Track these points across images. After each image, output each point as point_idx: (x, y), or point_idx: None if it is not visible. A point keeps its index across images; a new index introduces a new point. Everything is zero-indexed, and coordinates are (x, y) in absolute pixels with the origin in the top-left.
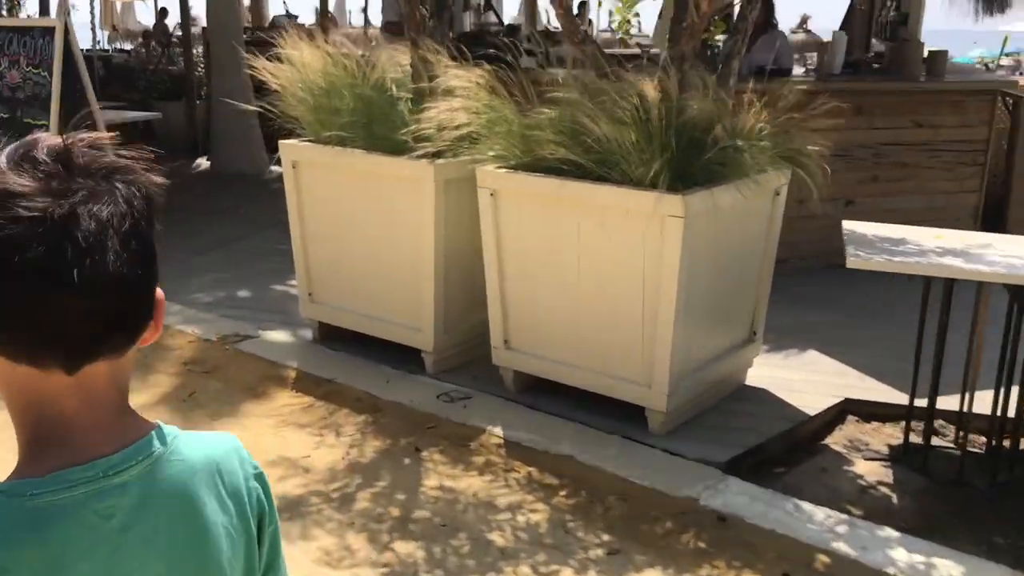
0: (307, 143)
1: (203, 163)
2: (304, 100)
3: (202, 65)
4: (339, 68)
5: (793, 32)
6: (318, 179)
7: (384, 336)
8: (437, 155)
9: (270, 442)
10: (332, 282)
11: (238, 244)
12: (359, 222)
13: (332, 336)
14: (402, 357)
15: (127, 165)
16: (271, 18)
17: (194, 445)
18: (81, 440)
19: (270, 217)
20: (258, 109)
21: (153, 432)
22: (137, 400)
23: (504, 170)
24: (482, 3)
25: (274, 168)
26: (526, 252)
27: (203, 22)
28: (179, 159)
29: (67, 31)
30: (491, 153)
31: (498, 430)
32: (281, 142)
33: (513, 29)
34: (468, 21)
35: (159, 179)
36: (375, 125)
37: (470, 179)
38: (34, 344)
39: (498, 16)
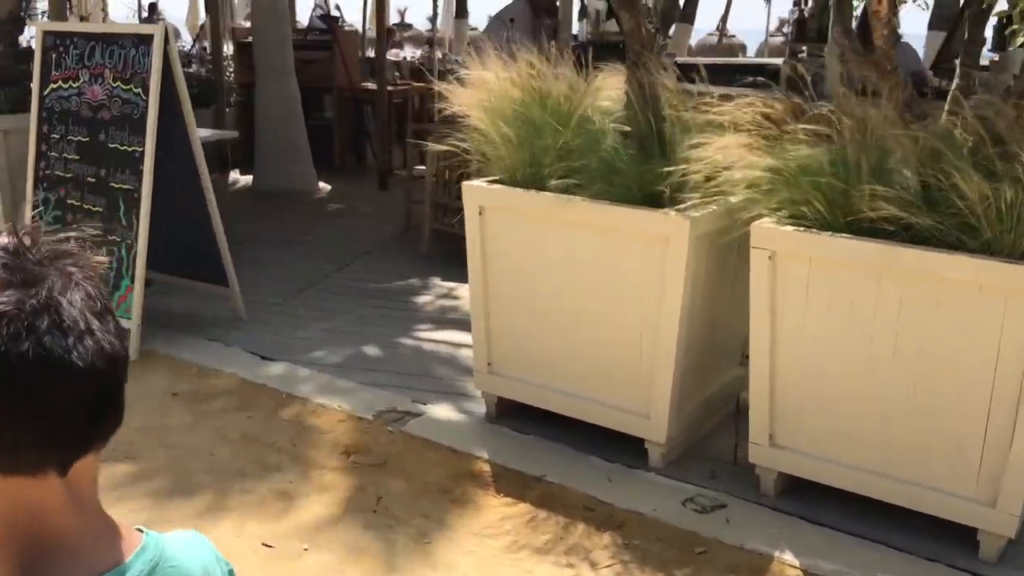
0: (501, 186)
1: (238, 178)
2: (504, 135)
3: (231, 70)
4: (535, 95)
5: (711, 34)
6: (512, 229)
7: (594, 420)
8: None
9: None
10: (520, 352)
11: (328, 282)
12: (566, 283)
13: (509, 413)
14: (609, 443)
15: (68, 249)
16: (308, 19)
17: (179, 548)
18: (81, 553)
19: (345, 246)
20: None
21: (144, 538)
22: (314, 511)
23: (791, 227)
24: (601, 10)
25: (322, 184)
26: (805, 330)
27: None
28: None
29: (166, 40)
30: (773, 205)
31: (788, 556)
32: (466, 184)
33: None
34: (583, 29)
35: (100, 257)
36: (599, 167)
37: (717, 234)
38: (33, 443)
39: (620, 24)
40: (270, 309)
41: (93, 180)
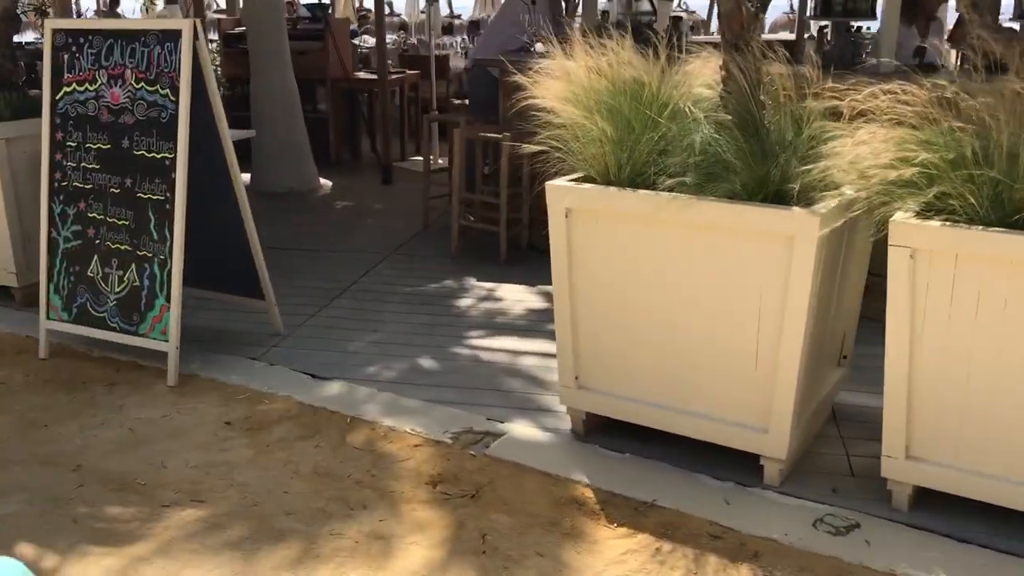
0: (592, 186)
1: None
2: (600, 129)
3: (218, 63)
4: (627, 85)
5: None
6: (605, 231)
7: (702, 436)
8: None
9: None
10: (613, 364)
11: (358, 288)
12: (669, 288)
13: (596, 429)
14: (713, 460)
15: None
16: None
17: None
18: None
19: (365, 248)
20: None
21: None
22: (418, 555)
23: (937, 223)
24: None
25: (324, 181)
26: (949, 332)
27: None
28: None
29: (196, 36)
30: (920, 200)
31: None
32: (551, 184)
33: (676, 20)
34: (614, 9)
35: None
36: (704, 163)
37: (835, 231)
38: None
39: (652, 4)
40: (306, 321)
41: (117, 191)
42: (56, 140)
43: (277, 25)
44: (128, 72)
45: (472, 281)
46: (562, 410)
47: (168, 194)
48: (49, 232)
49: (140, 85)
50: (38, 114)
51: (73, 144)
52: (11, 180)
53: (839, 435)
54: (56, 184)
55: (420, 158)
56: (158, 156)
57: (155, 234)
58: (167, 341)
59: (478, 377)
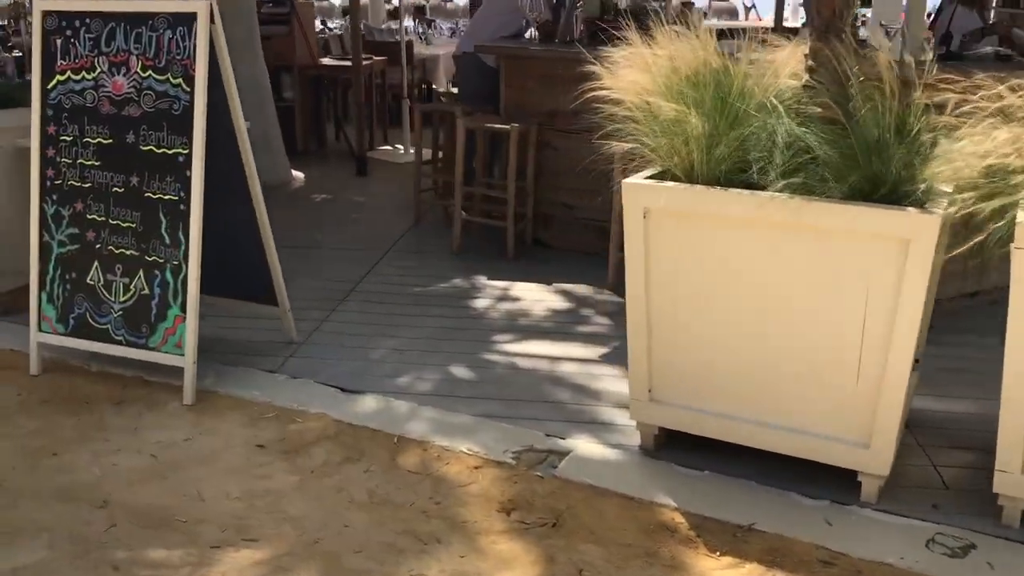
0: (675, 184)
1: None
2: (692, 125)
3: None
4: (710, 76)
5: None
6: (688, 233)
7: (795, 452)
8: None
9: None
10: (694, 377)
11: (363, 290)
12: (760, 296)
13: (666, 444)
14: (799, 476)
15: None
16: None
17: None
18: None
19: (358, 245)
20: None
21: None
22: None
23: None
24: None
25: (296, 173)
26: None
27: None
28: None
29: (212, 19)
30: None
31: None
32: (627, 182)
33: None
34: None
35: None
36: (806, 160)
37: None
38: None
39: None
40: (318, 327)
41: (121, 190)
42: (48, 134)
43: (248, 9)
44: (133, 59)
45: (483, 279)
46: (622, 423)
47: (182, 194)
48: (41, 235)
49: (147, 74)
50: (20, 104)
51: (68, 138)
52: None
53: (917, 444)
54: (48, 183)
55: (390, 147)
56: (170, 152)
57: (167, 237)
58: (183, 355)
59: (521, 388)
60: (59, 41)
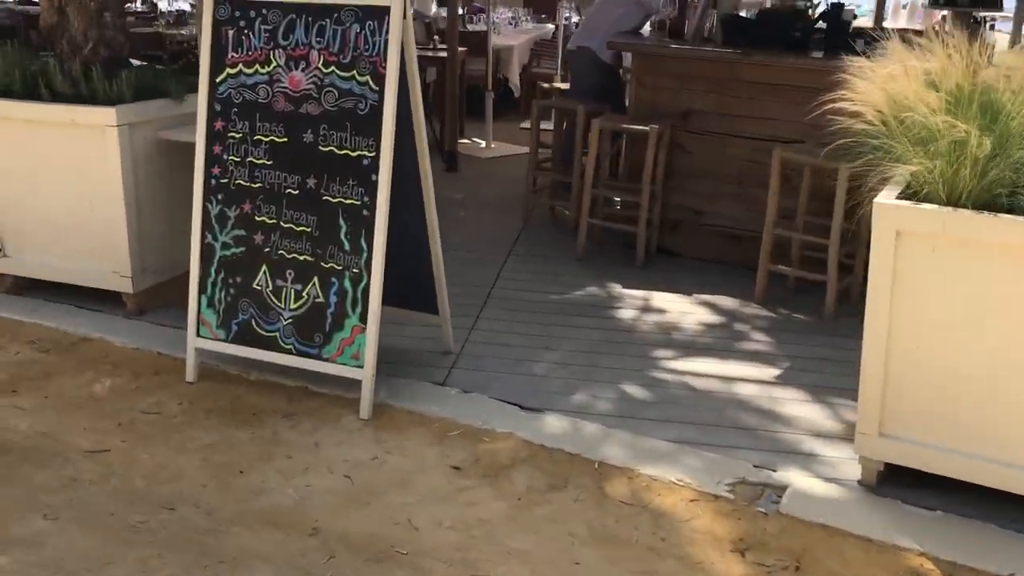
0: (940, 208)
1: None
2: (975, 142)
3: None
4: (975, 89)
5: None
6: (946, 259)
7: None
8: None
9: None
10: (932, 411)
11: (501, 294)
12: None
13: (886, 480)
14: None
15: None
16: None
17: None
18: None
19: (475, 248)
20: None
21: None
22: None
23: None
24: None
25: None
26: None
27: None
28: None
29: (404, 14)
30: None
31: None
32: (880, 201)
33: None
34: None
35: None
36: None
37: None
38: None
39: None
40: (467, 337)
41: (296, 192)
42: (215, 130)
43: None
44: (315, 54)
45: (617, 288)
46: (828, 455)
47: (366, 199)
48: (203, 236)
49: (330, 70)
50: (163, 95)
51: (237, 135)
52: (131, 170)
53: None
54: (213, 181)
55: (469, 140)
56: (353, 154)
57: (347, 244)
58: (361, 367)
59: (705, 410)
60: (231, 32)
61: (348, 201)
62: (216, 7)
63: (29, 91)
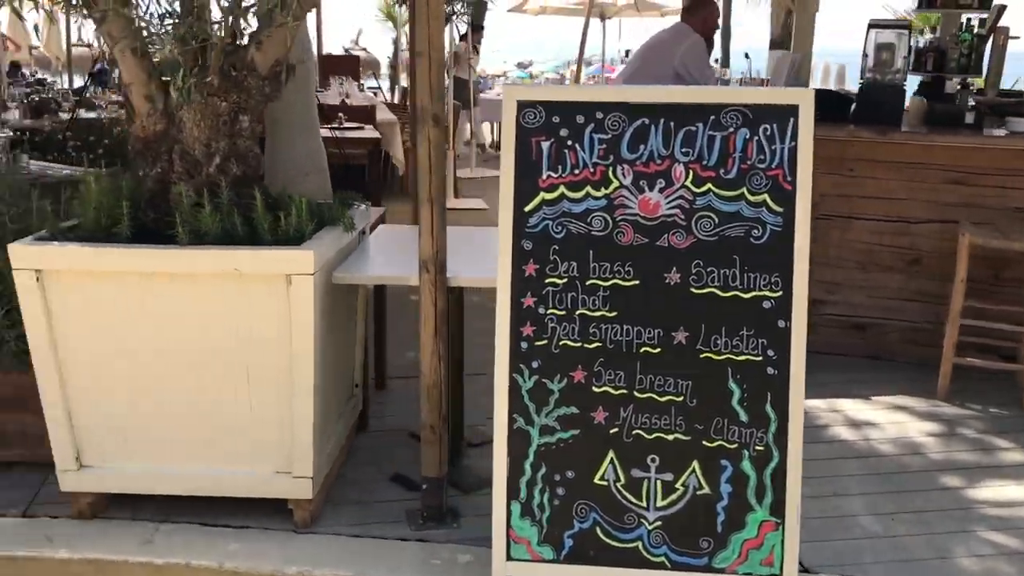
0: None
1: None
2: None
3: None
4: None
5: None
6: None
7: None
8: None
9: None
10: None
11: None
12: None
13: None
14: None
15: None
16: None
17: None
18: None
19: None
20: None
21: None
22: None
23: None
24: None
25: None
26: None
27: None
28: None
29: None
30: None
31: None
32: None
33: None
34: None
35: None
36: None
37: None
38: None
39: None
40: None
41: (656, 349)
42: (525, 275)
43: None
44: (679, 169)
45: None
46: None
47: (770, 352)
48: (510, 421)
49: (704, 188)
50: (330, 223)
51: (560, 280)
52: (321, 324)
53: None
54: (525, 344)
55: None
56: (745, 296)
57: (742, 413)
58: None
59: None
60: (547, 144)
61: (741, 357)
62: (521, 111)
63: (144, 230)
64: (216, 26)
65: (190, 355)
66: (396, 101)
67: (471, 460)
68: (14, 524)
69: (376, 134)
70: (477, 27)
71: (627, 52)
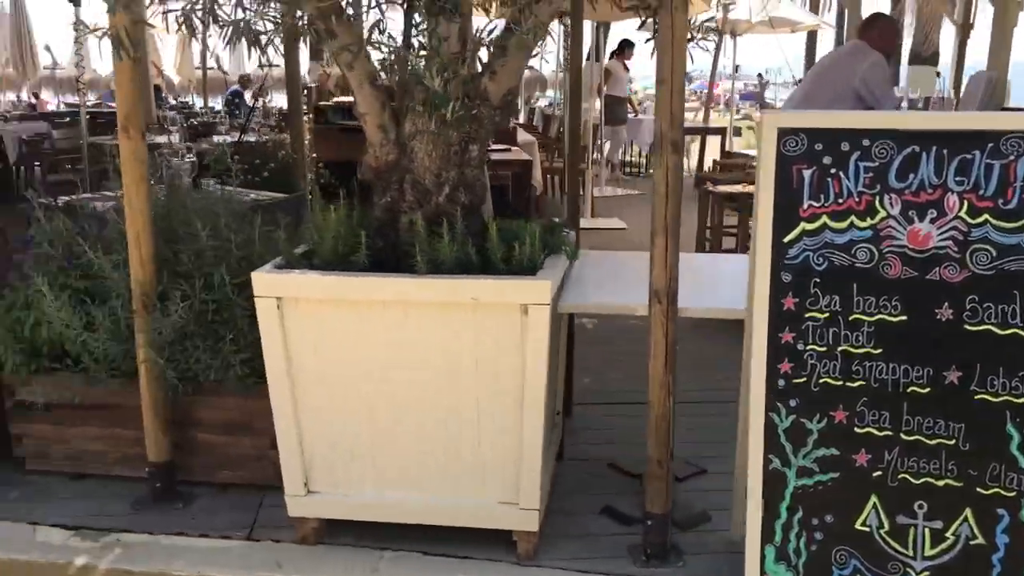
0: None
1: None
2: None
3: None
4: None
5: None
6: None
7: None
8: None
9: None
10: None
11: None
12: None
13: None
14: None
15: None
16: None
17: None
18: None
19: None
20: None
21: None
22: None
23: None
24: None
25: None
26: None
27: None
28: None
29: None
30: None
31: None
32: None
33: None
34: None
35: None
36: None
37: None
38: None
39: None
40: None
41: (927, 390)
42: (783, 309)
43: None
44: (952, 198)
45: None
46: None
47: None
48: (766, 462)
49: (981, 219)
50: (553, 251)
51: (821, 315)
52: (552, 359)
53: None
54: (782, 382)
55: None
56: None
57: (1021, 459)
58: None
59: None
60: (809, 173)
61: (1021, 400)
62: (782, 139)
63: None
64: (458, 58)
65: (421, 383)
66: (524, 122)
67: (680, 495)
68: (240, 547)
69: (525, 156)
70: (627, 44)
71: (736, 67)
